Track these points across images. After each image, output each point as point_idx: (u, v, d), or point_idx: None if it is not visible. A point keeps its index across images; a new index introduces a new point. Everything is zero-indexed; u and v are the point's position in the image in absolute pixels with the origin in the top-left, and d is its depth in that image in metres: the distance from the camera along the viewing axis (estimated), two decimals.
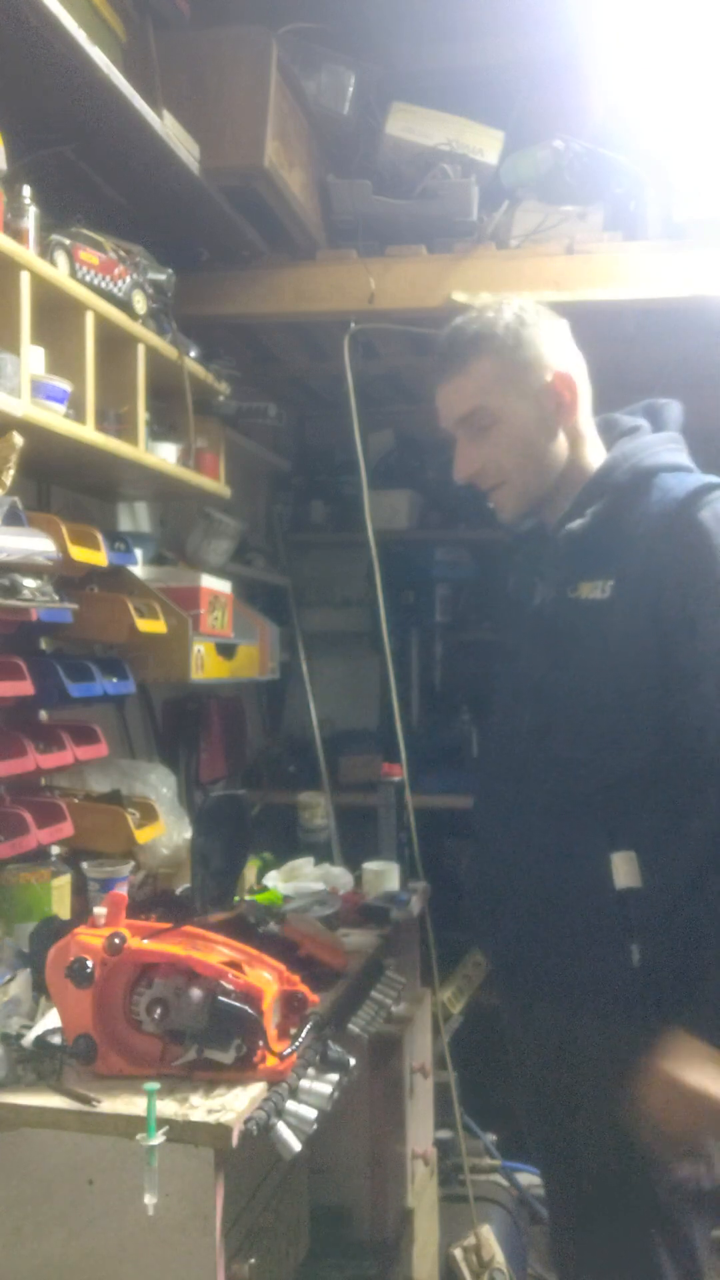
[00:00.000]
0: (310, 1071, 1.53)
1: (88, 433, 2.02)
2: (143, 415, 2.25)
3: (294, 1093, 1.49)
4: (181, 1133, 1.35)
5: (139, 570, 2.52)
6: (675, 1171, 1.65)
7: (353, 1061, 1.59)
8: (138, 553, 2.52)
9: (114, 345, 2.17)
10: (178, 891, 2.28)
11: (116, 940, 1.47)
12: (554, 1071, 1.76)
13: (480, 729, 3.65)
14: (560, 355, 1.75)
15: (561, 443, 1.75)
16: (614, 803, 1.66)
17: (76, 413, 1.98)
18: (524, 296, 1.84)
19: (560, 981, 1.72)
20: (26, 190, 1.88)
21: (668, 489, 1.67)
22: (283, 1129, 1.44)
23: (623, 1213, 1.68)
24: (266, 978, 1.52)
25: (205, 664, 2.64)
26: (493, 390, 1.72)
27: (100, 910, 1.54)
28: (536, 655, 1.78)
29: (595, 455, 1.77)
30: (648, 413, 1.84)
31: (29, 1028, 1.56)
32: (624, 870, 1.62)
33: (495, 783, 1.85)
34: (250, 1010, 1.45)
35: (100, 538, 2.18)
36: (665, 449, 1.75)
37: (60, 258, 1.96)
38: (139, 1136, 1.33)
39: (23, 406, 1.80)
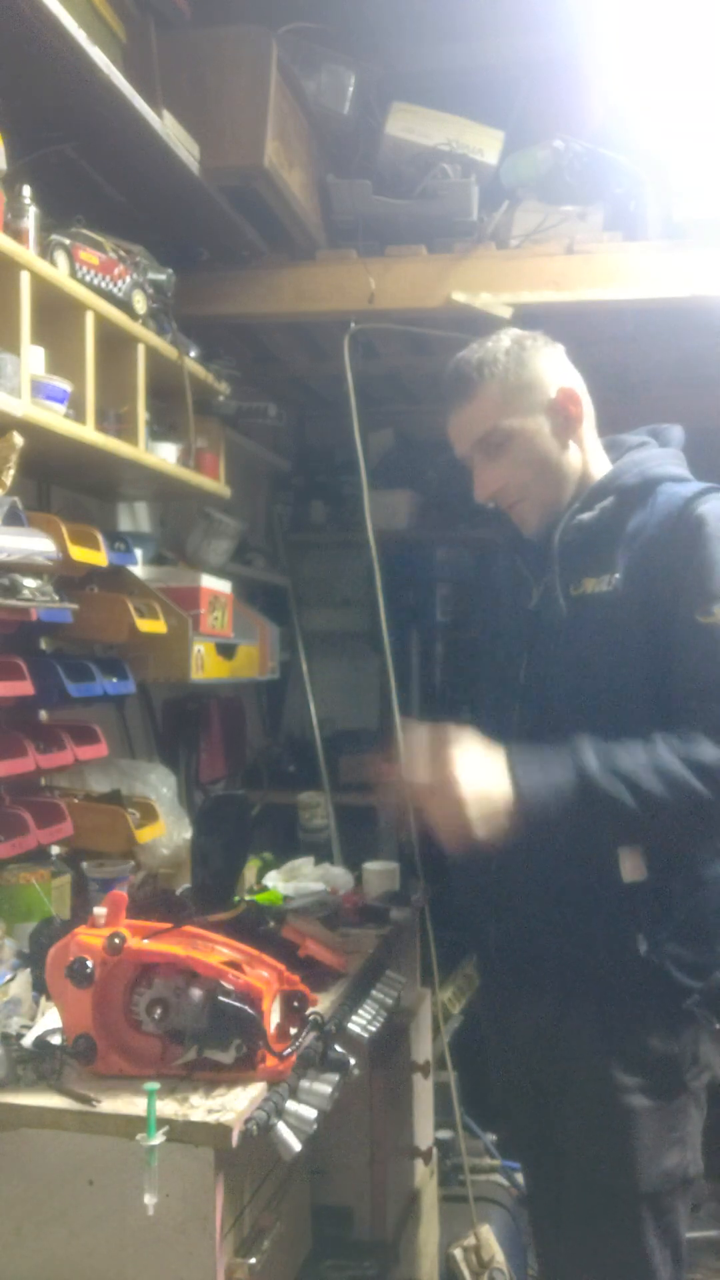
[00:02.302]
0: (310, 1071, 1.53)
1: (88, 433, 2.02)
2: (143, 415, 2.25)
3: (294, 1093, 1.49)
4: (181, 1133, 1.35)
5: (139, 570, 2.52)
6: (663, 1160, 1.69)
7: (353, 1061, 1.59)
8: (138, 553, 2.52)
9: (114, 345, 2.17)
10: (178, 891, 2.28)
11: (116, 940, 1.47)
12: (544, 1064, 1.78)
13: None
14: (562, 372, 1.82)
15: (574, 453, 1.81)
16: None
17: (76, 413, 1.99)
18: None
19: (558, 969, 1.74)
20: (26, 190, 1.89)
21: (672, 494, 1.74)
22: (283, 1129, 1.44)
23: (614, 1203, 1.71)
24: (266, 978, 1.52)
25: (205, 664, 2.64)
26: (503, 411, 1.77)
27: (100, 910, 1.54)
28: (531, 657, 1.81)
29: (601, 468, 1.83)
30: (651, 434, 1.91)
31: (29, 1028, 1.56)
32: (630, 865, 1.65)
33: None
34: (250, 1010, 1.45)
35: (100, 538, 2.18)
36: (671, 462, 1.82)
37: (60, 258, 1.96)
38: (139, 1136, 1.33)
39: (23, 406, 1.80)
